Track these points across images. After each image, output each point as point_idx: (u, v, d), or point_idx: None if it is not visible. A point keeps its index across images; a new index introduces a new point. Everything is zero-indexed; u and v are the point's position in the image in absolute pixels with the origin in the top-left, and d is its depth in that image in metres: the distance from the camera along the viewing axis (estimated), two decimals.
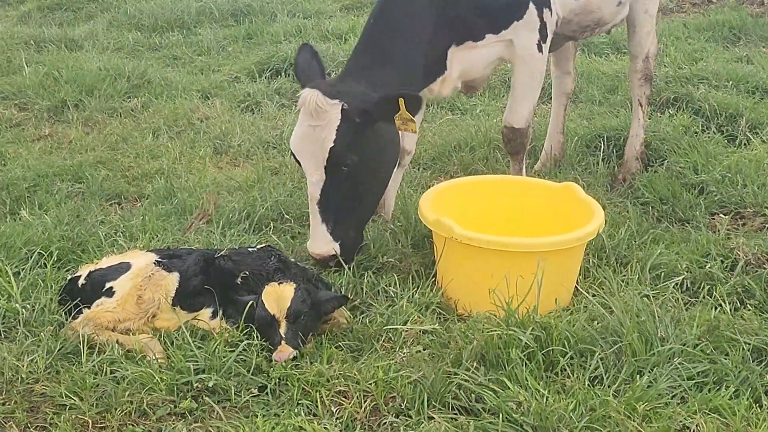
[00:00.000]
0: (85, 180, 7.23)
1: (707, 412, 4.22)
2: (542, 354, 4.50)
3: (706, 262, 5.53)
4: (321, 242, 5.42)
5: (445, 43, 5.77)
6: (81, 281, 5.07)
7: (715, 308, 4.99)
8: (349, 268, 5.41)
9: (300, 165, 5.52)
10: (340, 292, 5.19)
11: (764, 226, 6.17)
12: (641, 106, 7.23)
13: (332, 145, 5.27)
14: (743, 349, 4.57)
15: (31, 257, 5.59)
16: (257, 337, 4.70)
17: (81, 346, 4.66)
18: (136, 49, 11.46)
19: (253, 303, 4.78)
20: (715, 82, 8.84)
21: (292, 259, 5.38)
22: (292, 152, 5.52)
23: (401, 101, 5.28)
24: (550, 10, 5.99)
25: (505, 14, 5.88)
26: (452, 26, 5.73)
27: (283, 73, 10.00)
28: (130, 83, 9.60)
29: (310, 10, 12.93)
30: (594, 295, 5.05)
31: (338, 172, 5.34)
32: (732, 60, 9.85)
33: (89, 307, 4.92)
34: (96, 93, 9.28)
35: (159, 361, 4.57)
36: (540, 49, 6.00)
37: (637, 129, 7.25)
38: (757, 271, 5.44)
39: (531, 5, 5.88)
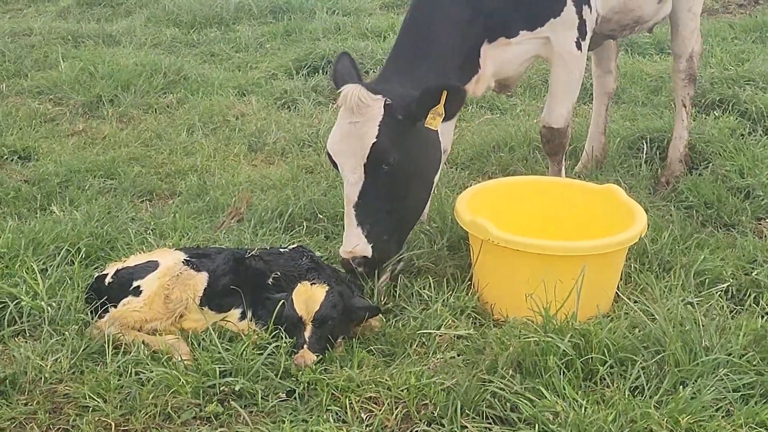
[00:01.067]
0: (118, 176, 7.19)
1: (753, 426, 4.07)
2: (581, 362, 4.36)
3: (753, 268, 5.40)
4: (353, 242, 5.12)
5: (479, 39, 5.61)
6: (108, 279, 5.00)
7: (762, 317, 4.85)
8: (387, 273, 5.23)
9: (336, 168, 5.29)
10: (373, 297, 5.08)
11: None
12: (685, 107, 7.08)
13: (374, 141, 5.05)
14: None
15: (59, 254, 5.52)
16: (286, 339, 4.59)
17: (106, 346, 4.58)
18: (173, 45, 11.47)
19: (283, 302, 4.67)
20: (762, 84, 8.66)
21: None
22: (328, 154, 5.28)
23: (444, 94, 5.10)
24: (590, 7, 5.84)
25: (540, 11, 5.73)
26: (486, 22, 5.58)
27: (320, 71, 9.92)
28: (166, 79, 9.58)
29: (350, 8, 12.90)
30: (635, 302, 4.93)
31: (378, 171, 5.10)
32: None
33: (115, 306, 4.85)
34: (131, 89, 9.27)
35: (185, 362, 4.48)
36: (579, 47, 5.86)
37: (680, 130, 7.09)
38: None
39: (569, 2, 5.74)
